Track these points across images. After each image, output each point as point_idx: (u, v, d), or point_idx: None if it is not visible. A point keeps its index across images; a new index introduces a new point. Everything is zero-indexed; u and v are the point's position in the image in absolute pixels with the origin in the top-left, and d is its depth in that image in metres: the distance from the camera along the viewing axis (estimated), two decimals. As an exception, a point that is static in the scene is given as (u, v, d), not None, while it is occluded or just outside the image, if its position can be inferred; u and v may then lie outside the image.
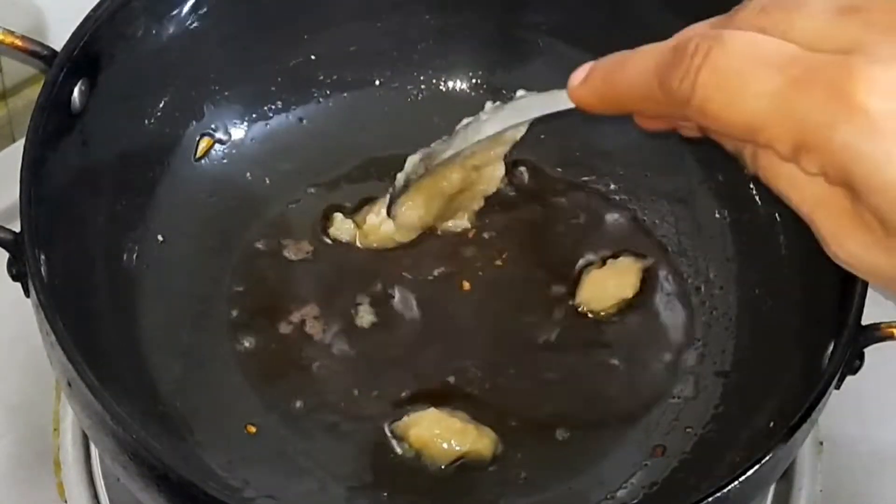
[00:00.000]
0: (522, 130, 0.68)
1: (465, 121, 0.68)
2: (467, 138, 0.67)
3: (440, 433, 0.70)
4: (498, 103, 0.66)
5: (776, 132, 0.44)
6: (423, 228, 0.76)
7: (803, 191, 0.45)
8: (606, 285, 0.76)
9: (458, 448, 0.70)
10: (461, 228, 0.78)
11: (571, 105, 0.54)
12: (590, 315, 0.76)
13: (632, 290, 0.76)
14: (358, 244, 0.77)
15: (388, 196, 0.75)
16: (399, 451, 0.70)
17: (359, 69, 0.83)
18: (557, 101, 0.56)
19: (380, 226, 0.76)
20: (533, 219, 0.80)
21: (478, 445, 0.70)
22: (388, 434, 0.71)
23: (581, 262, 0.78)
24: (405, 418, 0.71)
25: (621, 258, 0.77)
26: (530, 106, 0.61)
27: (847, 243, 0.45)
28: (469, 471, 0.70)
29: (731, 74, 0.44)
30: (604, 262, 0.77)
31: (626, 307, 0.76)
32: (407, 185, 0.73)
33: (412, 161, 0.72)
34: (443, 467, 0.70)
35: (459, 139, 0.68)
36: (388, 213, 0.75)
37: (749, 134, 0.45)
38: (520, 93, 0.63)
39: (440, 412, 0.71)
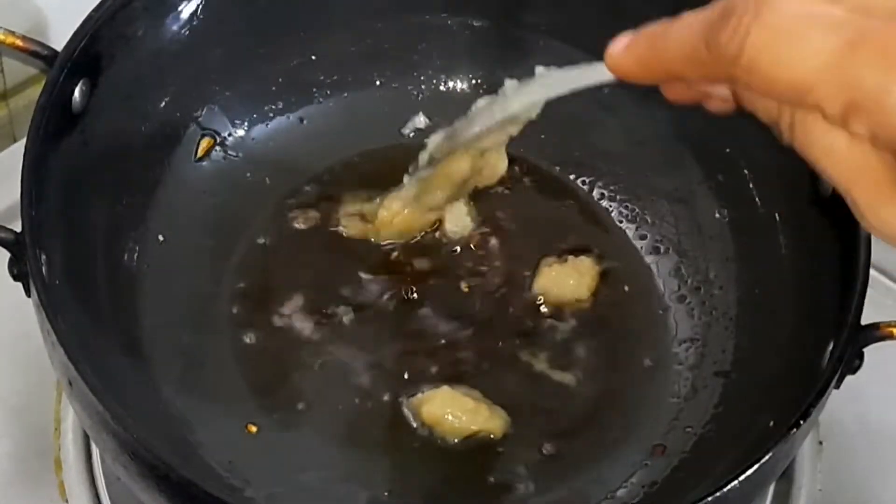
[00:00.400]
0: (538, 110, 0.65)
1: (481, 101, 0.67)
2: (493, 115, 0.65)
3: (452, 411, 0.70)
4: (518, 81, 0.64)
5: (827, 92, 0.44)
6: (434, 209, 0.76)
7: (841, 161, 0.46)
8: (567, 284, 0.77)
9: (470, 426, 0.70)
10: (463, 234, 0.78)
11: (604, 78, 0.54)
12: (572, 311, 0.76)
13: (587, 292, 0.76)
14: (372, 239, 0.77)
15: (403, 184, 0.74)
16: (414, 425, 0.71)
17: (359, 69, 0.83)
18: (589, 74, 0.56)
19: (391, 220, 0.77)
20: (533, 219, 0.80)
21: (489, 424, 0.71)
22: (404, 410, 0.71)
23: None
24: (419, 395, 0.71)
25: (582, 258, 0.78)
26: (561, 80, 0.60)
27: (884, 213, 0.46)
28: (478, 453, 0.71)
29: (783, 33, 0.45)
30: (560, 255, 0.78)
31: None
32: (430, 164, 0.71)
33: (434, 141, 0.70)
34: (456, 441, 0.70)
35: (483, 117, 0.66)
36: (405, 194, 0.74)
37: (797, 94, 0.45)
38: (539, 69, 0.62)
39: (453, 390, 0.71)
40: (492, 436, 0.71)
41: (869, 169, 0.45)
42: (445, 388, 0.71)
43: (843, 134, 0.45)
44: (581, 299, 0.76)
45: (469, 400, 0.71)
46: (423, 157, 0.71)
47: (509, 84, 0.64)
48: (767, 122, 0.49)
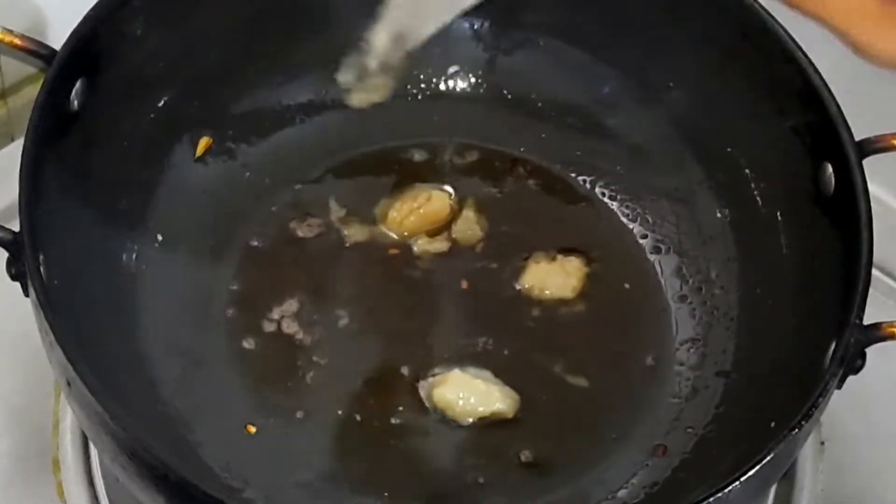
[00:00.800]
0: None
1: None
2: (454, 5, 0.58)
3: (463, 394, 0.71)
4: None
5: None
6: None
7: (840, 4, 0.50)
8: (551, 283, 0.77)
9: (482, 409, 0.71)
10: (472, 241, 0.78)
11: None
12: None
13: (572, 293, 0.76)
14: (375, 240, 0.77)
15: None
16: (427, 405, 0.71)
17: (358, 69, 0.83)
18: None
19: (400, 221, 0.77)
20: (534, 219, 0.80)
21: (500, 406, 0.71)
22: (420, 393, 0.71)
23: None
24: (430, 378, 0.72)
25: (571, 258, 0.77)
26: None
27: (882, 45, 0.51)
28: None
29: None
30: (550, 254, 0.77)
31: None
32: (381, 71, 0.63)
33: (381, 41, 0.61)
34: (470, 421, 0.71)
35: (442, 9, 0.58)
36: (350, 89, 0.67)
37: None
38: None
39: (463, 373, 0.72)
40: (502, 417, 0.71)
41: (862, 9, 0.50)
42: (457, 371, 0.72)
43: None
44: (565, 299, 0.76)
45: (480, 382, 0.71)
46: (371, 63, 0.63)
47: None
48: None
